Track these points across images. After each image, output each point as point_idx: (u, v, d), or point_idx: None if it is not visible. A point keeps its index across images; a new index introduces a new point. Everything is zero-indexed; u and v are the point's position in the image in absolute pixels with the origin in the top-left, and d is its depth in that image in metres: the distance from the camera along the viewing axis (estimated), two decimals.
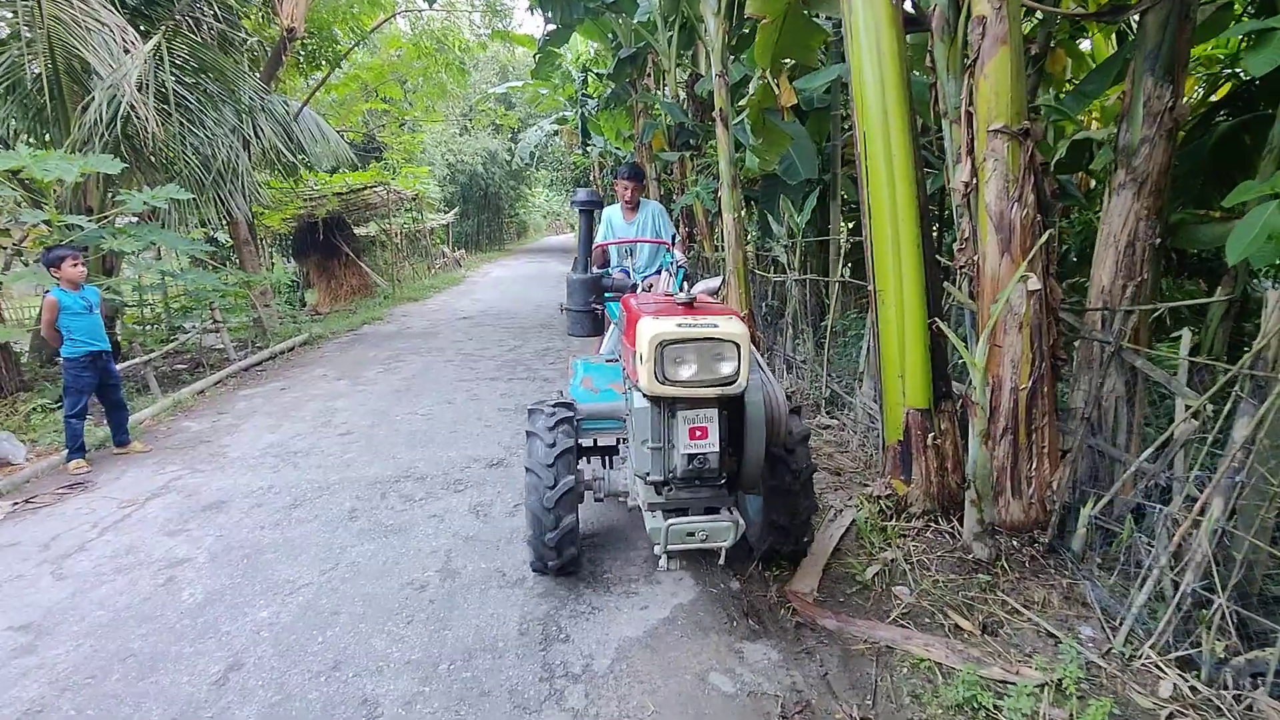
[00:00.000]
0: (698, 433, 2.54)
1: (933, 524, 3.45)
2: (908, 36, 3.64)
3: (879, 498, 3.64)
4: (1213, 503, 2.61)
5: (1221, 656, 2.43)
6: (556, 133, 20.87)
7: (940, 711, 2.30)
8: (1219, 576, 2.45)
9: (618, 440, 3.62)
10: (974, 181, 3.40)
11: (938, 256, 4.14)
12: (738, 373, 2.47)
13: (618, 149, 14.25)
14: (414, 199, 18.92)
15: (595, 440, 3.58)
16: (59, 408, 6.31)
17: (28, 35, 6.73)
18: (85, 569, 3.46)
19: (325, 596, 3.12)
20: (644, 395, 2.60)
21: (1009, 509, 3.37)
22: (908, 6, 4.17)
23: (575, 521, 3.02)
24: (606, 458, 3.81)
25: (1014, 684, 2.34)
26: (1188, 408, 2.92)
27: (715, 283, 4.58)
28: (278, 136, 9.31)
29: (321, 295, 16.37)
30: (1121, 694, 2.35)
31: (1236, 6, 4.35)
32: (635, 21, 8.98)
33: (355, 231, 17.81)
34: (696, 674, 2.55)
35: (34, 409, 6.42)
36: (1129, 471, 3.09)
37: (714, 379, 2.47)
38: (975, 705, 2.28)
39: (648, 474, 2.66)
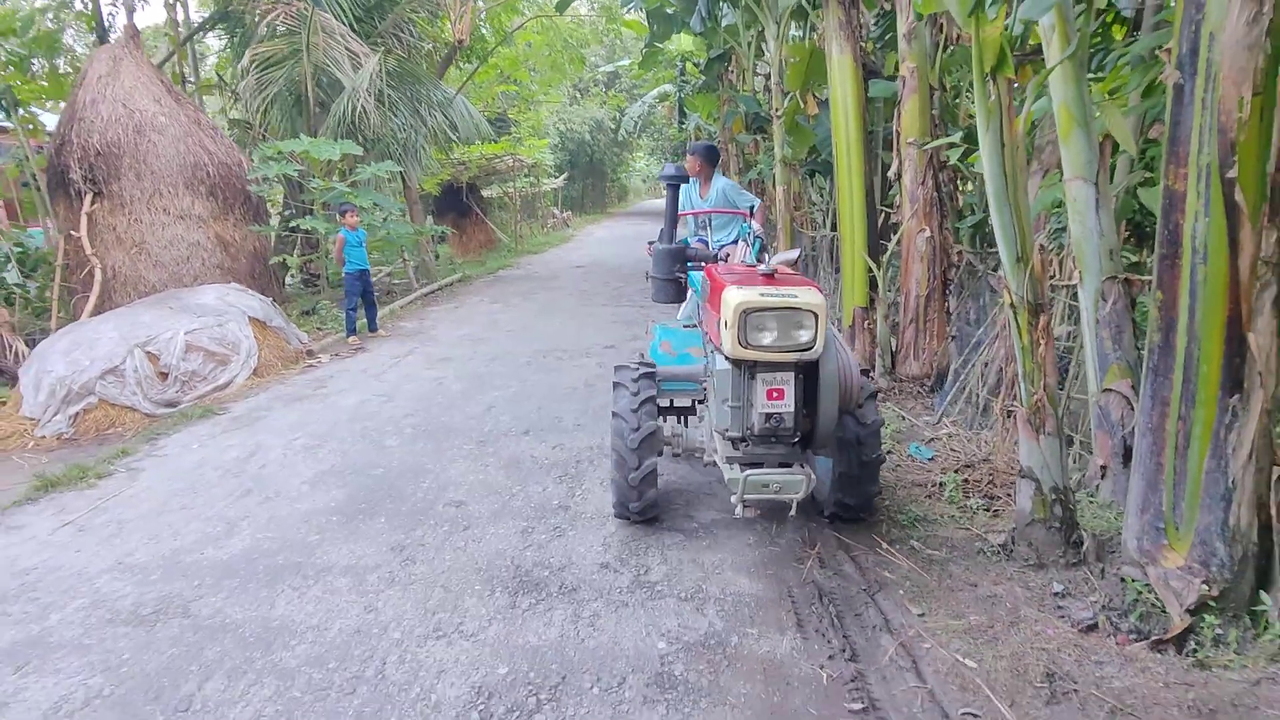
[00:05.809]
0: (774, 394, 2.73)
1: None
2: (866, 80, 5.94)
3: None
4: (997, 352, 4.94)
5: (980, 421, 4.78)
6: (659, 105, 23.31)
7: None
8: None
9: (693, 401, 3.88)
10: (899, 171, 5.71)
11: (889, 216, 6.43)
12: (815, 340, 2.66)
13: (709, 126, 16.56)
14: (532, 166, 21.88)
15: (672, 401, 3.89)
16: (311, 312, 9.49)
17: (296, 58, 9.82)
18: (392, 379, 6.41)
19: (525, 391, 5.92)
20: (726, 358, 2.80)
21: (911, 367, 5.73)
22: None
23: (656, 465, 3.24)
24: (682, 418, 4.00)
25: None
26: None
27: (794, 254, 4.56)
28: (444, 119, 12.27)
29: (455, 247, 19.61)
30: (919, 433, 4.76)
31: None
32: (722, 26, 11.27)
33: (483, 194, 20.97)
34: None
35: (300, 313, 9.63)
36: (973, 340, 5.40)
37: (792, 345, 2.67)
38: None
39: (727, 430, 2.84)
